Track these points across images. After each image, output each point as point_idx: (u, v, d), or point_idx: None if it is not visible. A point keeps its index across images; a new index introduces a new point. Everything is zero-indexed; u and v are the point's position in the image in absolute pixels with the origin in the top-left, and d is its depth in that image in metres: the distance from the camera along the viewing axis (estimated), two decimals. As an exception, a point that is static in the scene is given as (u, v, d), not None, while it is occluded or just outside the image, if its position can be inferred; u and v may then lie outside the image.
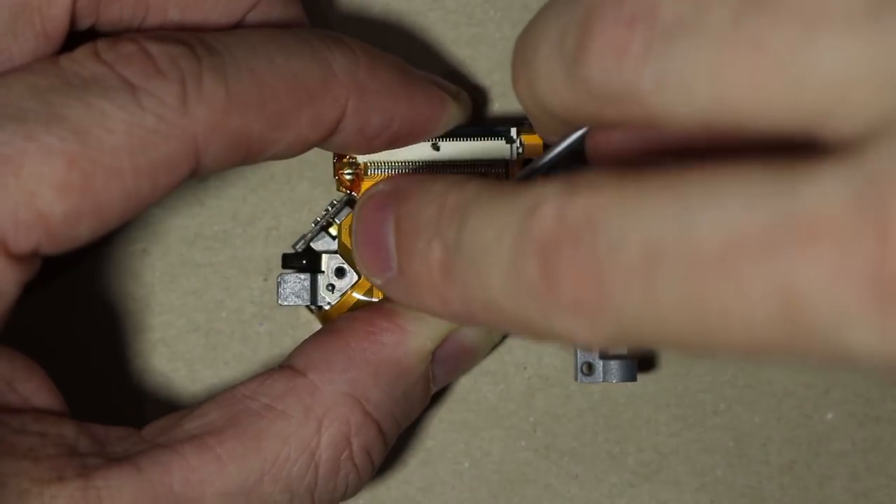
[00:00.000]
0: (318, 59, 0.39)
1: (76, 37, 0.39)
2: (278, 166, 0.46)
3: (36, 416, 0.38)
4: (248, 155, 0.38)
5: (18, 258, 0.36)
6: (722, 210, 0.27)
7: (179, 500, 0.37)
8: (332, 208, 0.44)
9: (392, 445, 0.42)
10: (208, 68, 0.37)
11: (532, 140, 0.44)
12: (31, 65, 0.37)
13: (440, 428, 0.46)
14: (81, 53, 0.37)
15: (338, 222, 0.44)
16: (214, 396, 0.40)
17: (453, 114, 0.42)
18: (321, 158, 0.46)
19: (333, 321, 0.42)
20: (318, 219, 0.44)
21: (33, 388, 0.39)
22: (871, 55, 0.25)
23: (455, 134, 0.43)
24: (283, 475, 0.39)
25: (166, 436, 0.39)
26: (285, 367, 0.41)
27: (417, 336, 0.41)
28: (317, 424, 0.39)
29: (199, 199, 0.46)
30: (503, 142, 0.43)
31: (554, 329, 0.30)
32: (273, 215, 0.46)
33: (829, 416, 0.46)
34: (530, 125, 0.44)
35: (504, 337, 0.45)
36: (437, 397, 0.46)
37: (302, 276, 0.44)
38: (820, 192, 0.25)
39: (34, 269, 0.37)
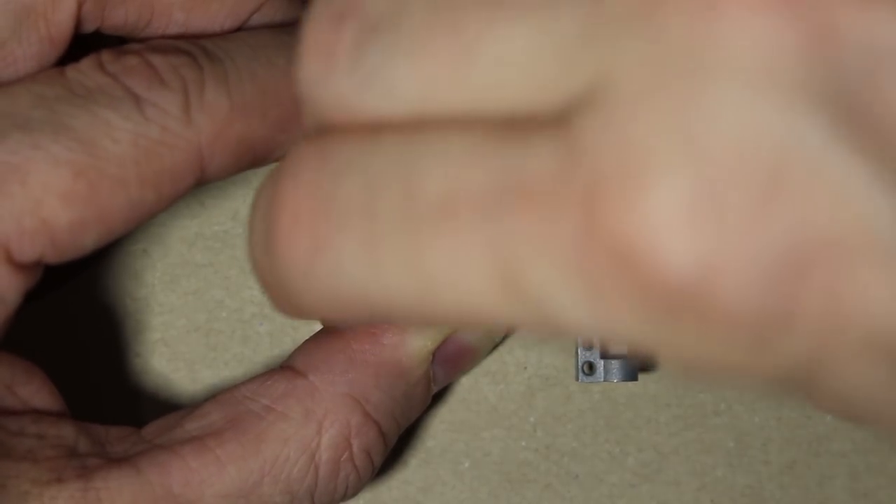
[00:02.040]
0: None
1: (80, 40, 0.39)
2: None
3: (35, 418, 0.38)
4: (253, 160, 0.38)
5: (22, 266, 0.36)
6: (446, 162, 0.26)
7: (178, 502, 0.37)
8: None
9: (392, 446, 0.42)
10: (210, 77, 0.37)
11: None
12: (37, 75, 0.37)
13: (440, 428, 0.46)
14: (86, 65, 0.37)
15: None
16: (215, 396, 0.40)
17: None
18: (321, 158, 0.46)
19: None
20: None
21: (33, 391, 0.39)
22: (550, 37, 0.25)
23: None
24: (282, 476, 0.39)
25: (166, 436, 0.39)
26: (286, 367, 0.41)
27: (418, 336, 0.41)
28: (317, 426, 0.39)
29: (199, 199, 0.46)
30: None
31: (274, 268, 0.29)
32: (273, 215, 0.46)
33: (830, 415, 0.46)
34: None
35: (504, 336, 0.45)
36: (437, 397, 0.46)
37: (304, 276, 0.44)
38: (536, 159, 0.25)
39: (36, 277, 0.37)
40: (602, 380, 0.44)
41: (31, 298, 0.38)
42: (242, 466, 0.38)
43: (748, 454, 0.46)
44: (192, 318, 0.46)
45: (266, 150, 0.38)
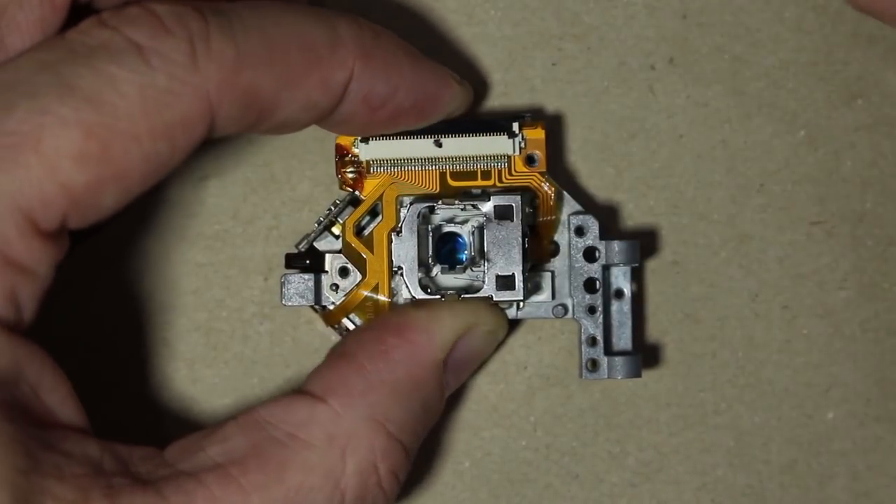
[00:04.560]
0: (324, 23, 0.39)
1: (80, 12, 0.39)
2: (278, 166, 0.46)
3: (62, 433, 0.37)
4: (260, 115, 0.38)
5: (49, 235, 0.36)
6: None
7: None
8: (334, 207, 0.44)
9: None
10: (216, 27, 0.37)
11: (534, 134, 0.44)
12: (38, 43, 0.37)
13: (440, 428, 0.46)
14: (86, 23, 0.37)
15: (341, 221, 0.44)
16: (236, 417, 0.40)
17: (457, 93, 0.42)
18: (322, 158, 0.46)
19: (342, 343, 0.42)
20: (322, 218, 0.44)
21: (59, 400, 0.38)
22: None
23: (457, 129, 0.43)
24: None
25: (189, 461, 0.38)
26: (304, 392, 0.40)
27: (428, 348, 0.41)
28: (341, 452, 0.39)
29: (199, 199, 0.46)
30: (505, 136, 0.43)
31: None
32: (273, 215, 0.46)
33: (830, 415, 0.46)
34: (531, 120, 0.44)
35: (506, 336, 0.45)
36: (437, 397, 0.46)
37: (305, 276, 0.44)
38: None
39: (64, 247, 0.37)
40: (606, 376, 0.44)
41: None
42: (266, 496, 0.38)
43: (749, 454, 0.46)
44: (192, 317, 0.46)
45: (272, 104, 0.38)
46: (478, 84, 0.46)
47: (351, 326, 0.44)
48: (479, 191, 0.44)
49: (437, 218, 0.43)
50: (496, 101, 0.46)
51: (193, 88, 0.36)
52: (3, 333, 0.36)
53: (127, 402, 0.46)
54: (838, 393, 0.46)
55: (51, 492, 0.35)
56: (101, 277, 0.46)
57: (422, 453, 0.46)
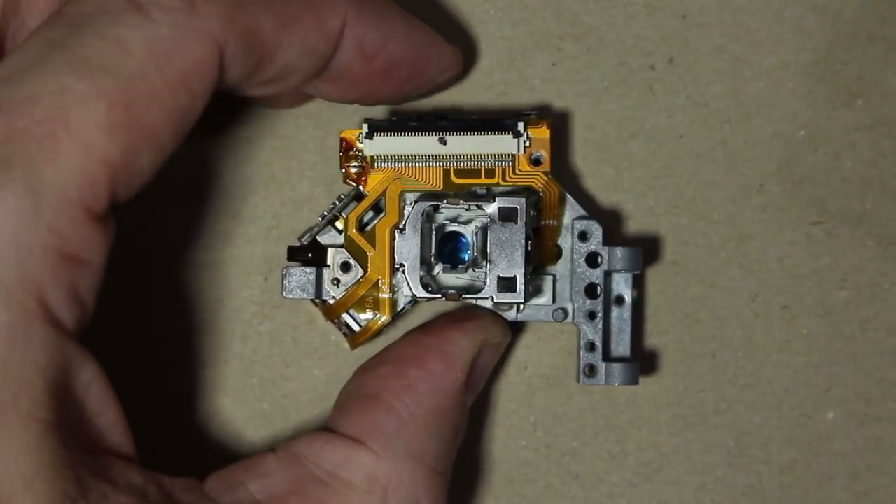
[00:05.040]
0: None
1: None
2: (278, 166, 0.46)
3: (110, 460, 0.37)
4: (262, 58, 0.38)
5: (101, 219, 0.36)
6: None
7: None
8: (339, 202, 0.44)
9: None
10: None
11: (539, 133, 0.44)
12: (39, 25, 0.37)
13: (440, 428, 0.46)
14: None
15: (344, 216, 0.44)
16: (275, 450, 0.40)
17: (448, 52, 0.43)
18: (321, 158, 0.46)
19: (360, 382, 0.42)
20: (325, 212, 0.44)
21: (108, 424, 0.38)
22: None
23: (462, 128, 0.43)
24: None
25: (230, 496, 0.38)
26: (339, 434, 0.40)
27: (450, 374, 0.41)
28: (383, 493, 0.39)
29: (199, 199, 0.46)
30: (510, 136, 0.43)
31: None
32: (273, 215, 0.46)
33: (830, 415, 0.46)
34: (536, 118, 0.44)
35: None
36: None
37: (307, 269, 0.44)
38: None
39: (113, 230, 0.37)
40: (603, 382, 0.44)
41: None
42: None
43: (748, 454, 0.46)
44: (193, 318, 0.46)
45: (272, 45, 0.38)
46: (478, 84, 0.46)
47: (351, 322, 0.44)
48: (482, 189, 0.44)
49: (440, 216, 0.43)
50: (496, 101, 0.46)
51: (198, 32, 0.36)
52: (65, 340, 0.36)
53: (126, 403, 0.46)
54: (838, 393, 0.46)
55: None
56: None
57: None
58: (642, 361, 0.46)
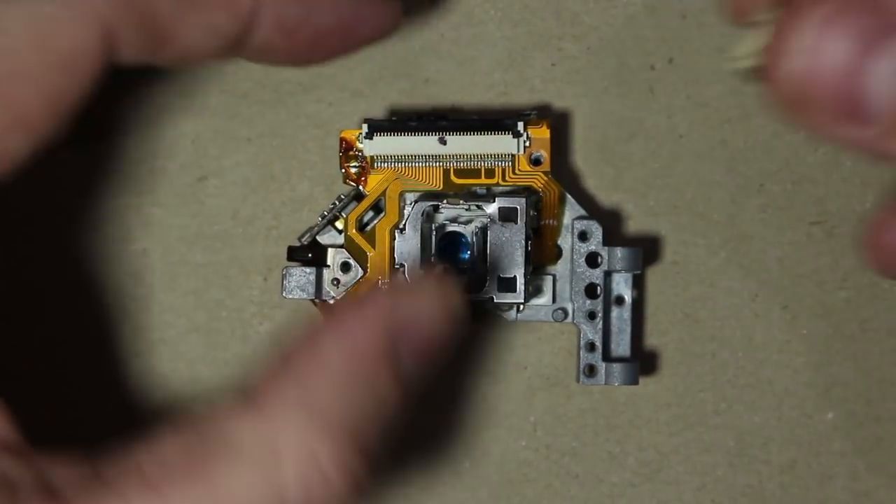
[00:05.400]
0: None
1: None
2: (278, 166, 0.46)
3: None
4: (161, 40, 0.35)
5: None
6: None
7: None
8: (339, 202, 0.44)
9: (379, 450, 0.37)
10: None
11: (539, 133, 0.44)
12: None
13: (440, 428, 0.46)
14: None
15: (344, 216, 0.44)
16: (177, 420, 0.36)
17: (380, 11, 0.40)
18: (321, 158, 0.46)
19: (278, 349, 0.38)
20: (325, 212, 0.44)
21: None
22: None
23: (462, 128, 0.43)
24: None
25: (117, 470, 0.34)
26: (242, 396, 0.36)
27: (363, 329, 0.36)
28: (278, 460, 0.34)
29: (199, 199, 0.46)
30: (510, 136, 0.43)
31: None
32: (273, 215, 0.46)
33: (830, 415, 0.46)
34: (536, 118, 0.44)
35: (473, 328, 0.44)
36: (436, 397, 0.46)
37: (307, 269, 0.44)
38: None
39: None
40: (603, 382, 0.44)
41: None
42: None
43: (748, 454, 0.46)
44: (192, 317, 0.46)
45: (172, 27, 0.35)
46: (478, 84, 0.46)
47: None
48: (482, 189, 0.44)
49: (440, 217, 0.43)
50: (496, 101, 0.46)
51: (85, 13, 0.34)
52: None
53: (127, 403, 0.46)
54: (838, 393, 0.46)
55: None
56: (101, 278, 0.46)
57: (422, 453, 0.46)
58: (642, 361, 0.46)
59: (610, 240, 0.44)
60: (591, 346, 0.44)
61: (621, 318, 0.44)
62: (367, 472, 0.35)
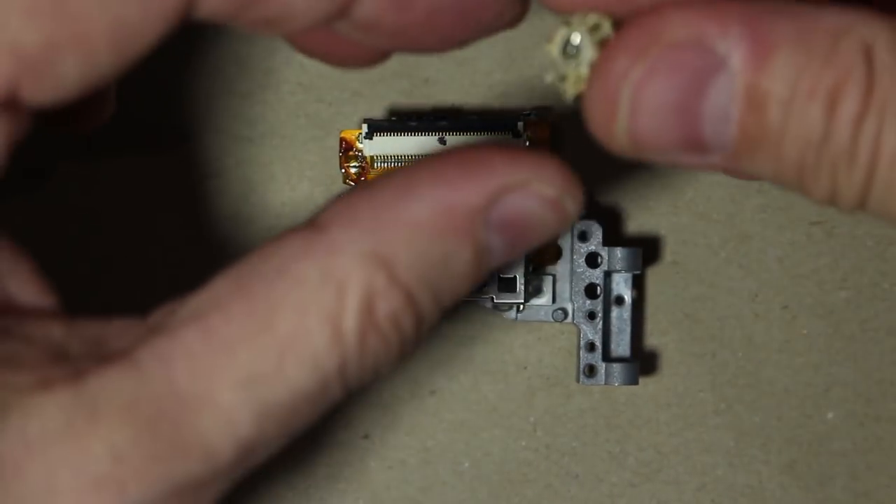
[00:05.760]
0: None
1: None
2: (278, 166, 0.46)
3: (20, 318, 0.32)
4: None
5: (0, 106, 0.31)
6: None
7: (186, 399, 0.31)
8: (338, 203, 0.44)
9: (431, 322, 0.33)
10: None
11: (539, 133, 0.44)
12: None
13: (440, 428, 0.46)
14: None
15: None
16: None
17: (504, 6, 0.34)
18: (321, 158, 0.46)
19: (374, 179, 0.34)
20: (324, 214, 0.44)
21: (18, 284, 0.33)
22: None
23: (462, 128, 0.43)
24: (307, 354, 0.31)
25: (170, 317, 0.32)
26: (308, 223, 0.33)
27: (464, 190, 0.32)
28: (337, 289, 0.31)
29: (199, 199, 0.46)
30: (510, 136, 0.43)
31: None
32: (273, 215, 0.46)
33: (830, 415, 0.46)
34: (536, 118, 0.44)
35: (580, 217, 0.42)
36: (436, 397, 0.46)
37: (305, 273, 0.44)
38: None
39: (21, 126, 0.32)
40: (603, 382, 0.44)
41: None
42: (256, 346, 0.31)
43: (748, 454, 0.46)
44: (192, 317, 0.46)
45: None
46: (478, 84, 0.46)
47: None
48: (481, 190, 0.44)
49: (438, 218, 0.43)
50: (496, 100, 0.46)
51: None
52: None
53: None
54: (838, 393, 0.46)
55: (5, 382, 0.31)
56: (101, 278, 0.46)
57: (422, 453, 0.46)
58: (642, 361, 0.46)
59: (610, 240, 0.44)
60: (591, 346, 0.44)
61: (621, 318, 0.44)
62: (415, 337, 0.33)
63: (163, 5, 0.31)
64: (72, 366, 0.31)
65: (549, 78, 0.32)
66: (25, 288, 0.33)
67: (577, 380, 0.44)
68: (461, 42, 0.34)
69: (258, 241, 0.46)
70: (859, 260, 0.46)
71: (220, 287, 0.32)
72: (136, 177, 0.46)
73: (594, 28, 0.31)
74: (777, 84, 0.29)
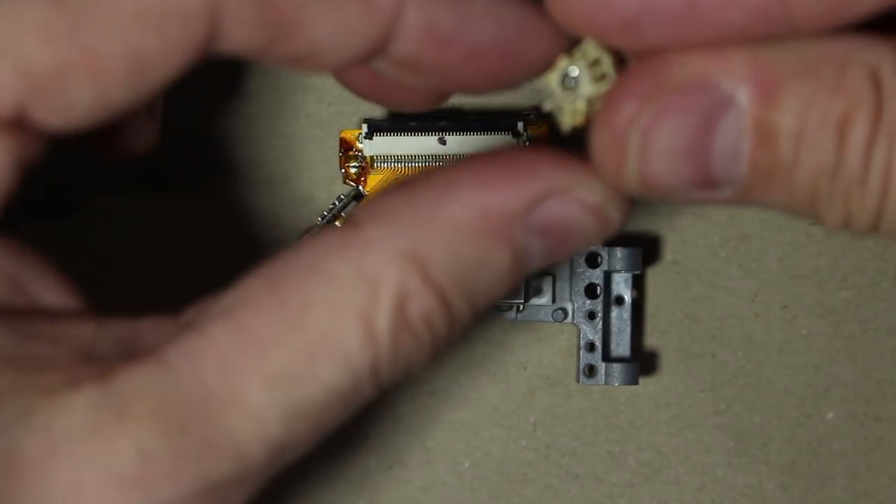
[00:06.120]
0: None
1: None
2: (278, 166, 0.46)
3: (48, 319, 0.32)
4: (282, 28, 0.31)
5: (7, 124, 0.31)
6: None
7: (215, 397, 0.30)
8: (339, 202, 0.44)
9: (464, 323, 0.33)
10: None
11: (538, 133, 0.44)
12: None
13: (440, 428, 0.46)
14: None
15: (344, 216, 0.44)
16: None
17: (550, 38, 0.33)
18: (321, 158, 0.46)
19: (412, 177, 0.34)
20: (325, 212, 0.44)
21: (44, 288, 0.32)
22: None
23: (461, 128, 0.43)
24: (339, 353, 0.31)
25: (200, 314, 0.31)
26: (346, 221, 0.32)
27: (504, 193, 0.32)
28: (370, 287, 0.31)
29: (199, 198, 0.46)
30: (510, 136, 0.44)
31: None
32: (273, 215, 0.46)
33: (830, 415, 0.46)
34: (535, 118, 0.44)
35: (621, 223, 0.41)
36: (436, 397, 0.46)
37: (306, 272, 0.44)
38: None
39: (33, 147, 0.31)
40: (603, 382, 0.44)
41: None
42: (288, 344, 0.30)
43: (748, 454, 0.46)
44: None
45: (296, 18, 0.31)
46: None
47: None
48: (481, 190, 0.44)
49: (438, 218, 0.43)
50: (496, 101, 0.46)
51: None
52: None
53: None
54: (838, 393, 0.46)
55: (32, 385, 0.30)
56: (101, 278, 0.46)
57: (422, 453, 0.46)
58: (642, 361, 0.46)
59: (610, 240, 0.44)
60: (590, 347, 0.44)
61: (621, 318, 0.44)
62: (448, 338, 0.33)
63: (182, 39, 0.30)
64: (100, 365, 0.30)
65: (548, 107, 0.32)
66: (50, 291, 0.32)
67: (577, 380, 0.44)
68: (508, 82, 0.33)
69: (258, 241, 0.46)
70: (859, 260, 0.46)
71: (252, 284, 0.31)
72: (136, 176, 0.46)
73: (594, 63, 0.31)
74: (786, 117, 0.29)
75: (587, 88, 0.31)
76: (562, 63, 0.31)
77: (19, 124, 0.31)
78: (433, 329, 0.32)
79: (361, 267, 0.31)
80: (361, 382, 0.31)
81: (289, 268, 0.31)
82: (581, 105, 0.31)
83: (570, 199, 0.33)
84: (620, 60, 0.31)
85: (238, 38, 0.31)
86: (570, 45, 0.31)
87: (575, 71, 0.31)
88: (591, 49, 0.31)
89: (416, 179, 0.32)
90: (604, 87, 0.31)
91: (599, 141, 0.31)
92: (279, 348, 0.30)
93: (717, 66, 0.30)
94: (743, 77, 0.30)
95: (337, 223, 0.44)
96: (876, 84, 0.29)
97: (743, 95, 0.30)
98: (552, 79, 0.31)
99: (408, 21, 0.32)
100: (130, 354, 0.30)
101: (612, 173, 0.32)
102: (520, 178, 0.32)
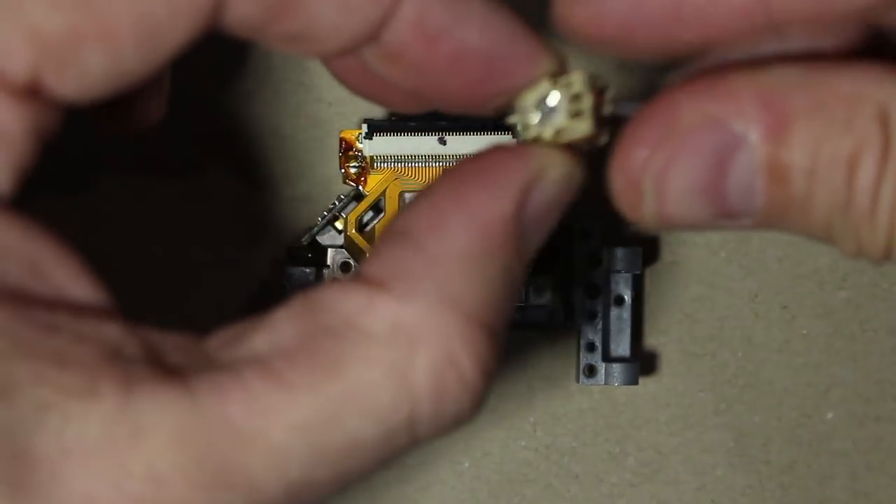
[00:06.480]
0: None
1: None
2: (278, 166, 0.46)
3: (73, 312, 0.31)
4: (283, 5, 0.31)
5: (22, 93, 0.30)
6: None
7: (238, 434, 0.30)
8: (339, 202, 0.44)
9: (504, 332, 0.33)
10: None
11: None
12: None
13: (440, 428, 0.46)
14: None
15: (344, 216, 0.44)
16: (289, 302, 0.32)
17: (539, 56, 0.33)
18: (321, 158, 0.46)
19: (395, 219, 0.34)
20: (325, 212, 0.44)
21: (68, 277, 0.31)
22: None
23: (461, 128, 0.43)
24: (371, 406, 0.31)
25: (229, 352, 0.31)
26: (361, 279, 0.32)
27: (491, 205, 0.32)
28: (407, 343, 0.31)
29: (200, 198, 0.46)
30: (510, 135, 0.44)
31: None
32: (273, 214, 0.46)
33: (829, 415, 0.46)
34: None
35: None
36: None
37: (307, 270, 0.44)
38: None
39: (49, 118, 0.31)
40: (603, 383, 0.44)
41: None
42: (318, 393, 0.31)
43: (748, 454, 0.46)
44: (192, 318, 0.46)
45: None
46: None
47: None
48: (481, 190, 0.44)
49: (439, 217, 0.43)
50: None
51: None
52: None
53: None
54: (838, 393, 0.46)
55: (48, 380, 0.29)
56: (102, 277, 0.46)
57: (422, 453, 0.46)
58: (642, 361, 0.46)
59: (610, 240, 0.44)
60: (590, 347, 0.44)
61: (621, 318, 0.44)
62: (496, 363, 0.32)
63: (191, 6, 0.30)
64: (123, 370, 0.30)
65: (513, 120, 0.31)
66: (76, 283, 0.31)
67: (577, 380, 0.44)
68: (484, 98, 0.33)
69: (258, 240, 0.46)
70: (859, 260, 0.46)
71: (285, 330, 0.31)
72: (135, 176, 0.46)
73: (575, 97, 0.31)
74: (797, 155, 0.30)
75: (560, 120, 0.31)
76: (543, 86, 0.31)
77: (34, 93, 0.30)
78: (487, 365, 0.32)
79: (397, 324, 0.31)
80: (395, 436, 0.31)
81: (323, 322, 0.31)
82: (548, 134, 0.31)
83: (546, 182, 0.33)
84: (601, 96, 0.31)
85: (239, 14, 0.31)
86: (557, 72, 0.31)
87: (554, 100, 0.31)
88: (577, 82, 0.31)
89: (403, 224, 0.32)
90: (576, 126, 0.31)
91: (616, 184, 0.32)
92: (309, 395, 0.30)
93: (727, 106, 0.30)
94: (753, 116, 0.30)
95: (338, 224, 0.44)
96: (883, 122, 0.30)
97: (754, 134, 0.30)
98: (529, 97, 0.31)
99: (403, 8, 0.32)
100: (156, 363, 0.30)
101: (632, 214, 0.32)
102: (497, 181, 0.32)
